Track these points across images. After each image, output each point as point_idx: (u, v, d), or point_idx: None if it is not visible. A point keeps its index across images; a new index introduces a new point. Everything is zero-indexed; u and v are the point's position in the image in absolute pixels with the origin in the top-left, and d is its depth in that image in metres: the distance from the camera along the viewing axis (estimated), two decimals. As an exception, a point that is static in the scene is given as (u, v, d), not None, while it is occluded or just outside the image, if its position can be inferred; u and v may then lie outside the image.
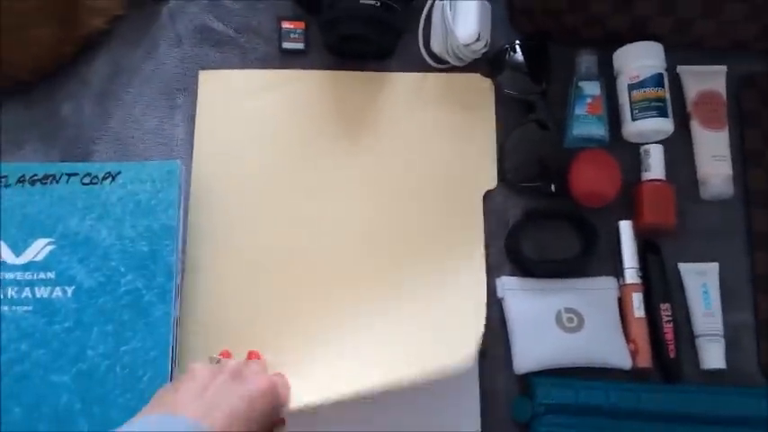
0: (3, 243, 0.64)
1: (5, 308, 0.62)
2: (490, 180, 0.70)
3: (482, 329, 0.59)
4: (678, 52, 0.72)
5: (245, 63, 0.74)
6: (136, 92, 0.73)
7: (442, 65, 0.73)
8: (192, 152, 0.71)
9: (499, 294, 0.67)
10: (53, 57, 0.71)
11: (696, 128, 0.70)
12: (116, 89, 0.73)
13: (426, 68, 0.73)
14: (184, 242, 0.67)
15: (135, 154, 0.71)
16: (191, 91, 0.73)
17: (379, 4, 0.67)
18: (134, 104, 0.73)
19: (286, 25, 0.74)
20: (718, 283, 0.67)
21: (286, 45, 0.74)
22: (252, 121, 0.72)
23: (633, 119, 0.69)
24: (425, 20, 0.73)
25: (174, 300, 0.63)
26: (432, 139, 0.71)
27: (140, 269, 0.64)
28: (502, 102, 0.72)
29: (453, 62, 0.72)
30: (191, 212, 0.69)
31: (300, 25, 0.74)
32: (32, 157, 0.71)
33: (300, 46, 0.74)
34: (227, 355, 0.63)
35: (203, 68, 0.73)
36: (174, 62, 0.74)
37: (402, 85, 0.73)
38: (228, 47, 0.75)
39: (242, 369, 0.57)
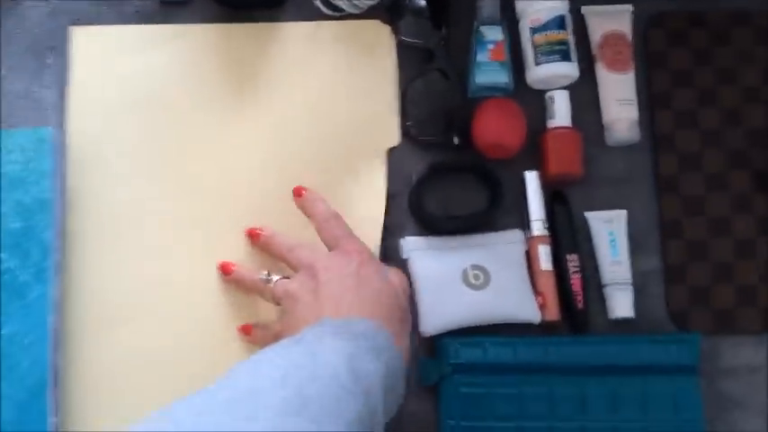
0: None
1: None
2: (393, 135, 0.66)
3: None
4: (582, -8, 0.69)
5: (122, 17, 0.68)
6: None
7: (336, 12, 0.68)
8: (65, 117, 0.65)
9: (404, 255, 0.64)
10: None
11: (601, 71, 0.68)
12: (-25, 50, 0.66)
13: (320, 17, 0.68)
14: (64, 216, 0.62)
15: (1, 121, 0.64)
16: (61, 49, 0.66)
17: (263, -55, 0.62)
18: (-3, 66, 0.66)
19: (165, -26, 0.68)
20: (625, 230, 0.65)
21: (166, -5, 0.68)
22: (132, 80, 0.66)
23: (536, 64, 0.66)
24: (316, -36, 0.68)
25: (52, 279, 0.58)
26: (329, 93, 0.67)
27: (13, 248, 0.58)
28: (401, 51, 0.68)
29: (348, 9, 0.68)
30: (69, 183, 0.63)
31: (180, -27, 0.68)
32: None
33: (181, -4, 0.68)
34: (227, 268, 0.61)
35: (75, 24, 0.67)
36: (41, 17, 0.67)
37: (294, 35, 0.68)
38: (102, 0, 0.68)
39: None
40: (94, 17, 0.68)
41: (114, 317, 0.61)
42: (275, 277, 0.58)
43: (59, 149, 0.62)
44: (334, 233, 0.59)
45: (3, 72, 0.66)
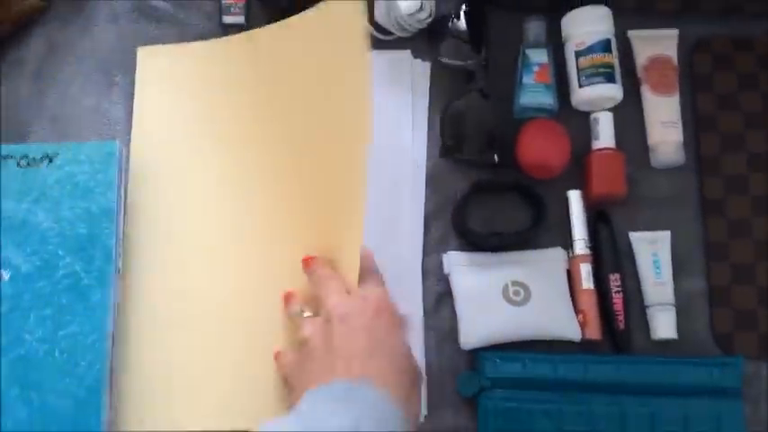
0: (-64, 228, 0.62)
1: (-59, 293, 0.60)
2: (367, 131, 0.58)
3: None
4: (629, 16, 0.70)
5: (185, 40, 0.72)
6: (72, 70, 0.71)
7: (387, 36, 0.71)
8: (130, 132, 0.69)
9: (446, 270, 0.65)
10: (-14, 37, 0.69)
11: (646, 94, 0.69)
12: (52, 69, 0.71)
13: (372, 41, 0.71)
14: (124, 225, 0.65)
15: (72, 134, 0.69)
16: (129, 69, 0.71)
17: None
18: (71, 83, 0.71)
19: (226, -1, 0.72)
20: (669, 251, 0.66)
21: (227, 19, 0.72)
22: (192, 96, 0.69)
23: (580, 86, 0.67)
24: (369, -9, 0.71)
25: (113, 283, 0.62)
26: (310, 86, 0.64)
27: (79, 252, 0.62)
28: (442, 72, 0.70)
29: (398, 33, 0.70)
30: (130, 194, 0.67)
31: (240, -1, 0.72)
32: (-32, 140, 0.69)
33: (241, 20, 0.72)
34: (288, 297, 0.61)
35: (141, 45, 0.71)
36: (112, 39, 0.72)
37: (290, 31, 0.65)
38: (167, 23, 0.73)
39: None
40: (160, 41, 0.72)
41: (165, 323, 0.63)
42: (307, 314, 0.58)
43: (123, 162, 0.66)
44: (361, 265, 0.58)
45: (75, 90, 0.71)
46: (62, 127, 0.69)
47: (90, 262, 0.62)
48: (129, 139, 0.68)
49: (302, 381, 0.54)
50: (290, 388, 0.57)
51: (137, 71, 0.70)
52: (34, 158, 0.64)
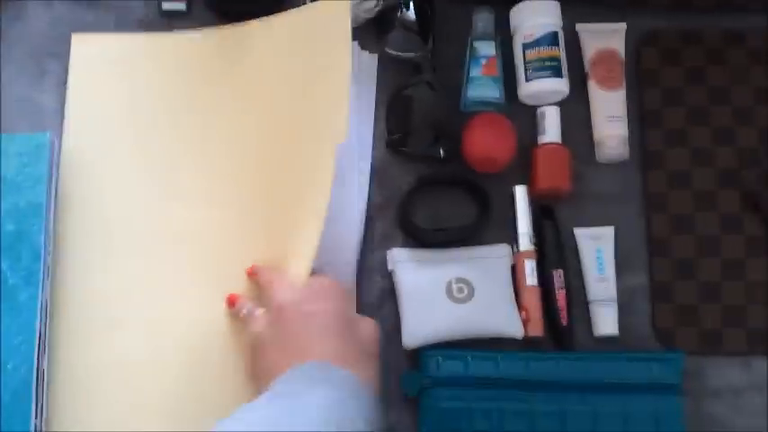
0: None
1: None
2: (342, 131, 0.58)
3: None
4: (578, 8, 0.69)
5: (123, 26, 0.70)
6: (1, 56, 0.68)
7: (332, 25, 0.69)
8: (62, 122, 0.66)
9: (389, 267, 0.64)
10: None
11: (593, 88, 0.68)
12: (-21, 54, 0.68)
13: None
14: (55, 220, 0.63)
15: (1, 125, 0.66)
16: (62, 56, 0.68)
17: (260, -41, 0.63)
18: (-1, 71, 0.68)
19: (165, -16, 0.69)
20: (613, 247, 0.65)
21: (166, 6, 0.70)
22: (128, 88, 0.67)
23: (527, 79, 0.66)
24: (313, -23, 0.69)
25: (41, 282, 0.59)
26: (286, 85, 0.64)
27: (5, 250, 0.60)
28: (388, 63, 0.69)
29: (343, 22, 0.69)
30: (61, 188, 0.64)
31: (180, -16, 0.69)
32: None
33: (181, 6, 0.70)
34: (233, 300, 0.61)
35: (76, 31, 0.68)
36: (44, 24, 0.69)
37: (261, 31, 0.67)
38: (104, 8, 0.70)
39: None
40: (96, 26, 0.69)
41: (99, 322, 0.62)
42: (258, 311, 0.58)
43: (55, 155, 0.63)
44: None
45: (4, 77, 0.67)
46: (-10, 116, 0.67)
47: (17, 260, 0.59)
48: (61, 131, 0.66)
49: (264, 373, 0.53)
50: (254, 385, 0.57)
51: (70, 59, 0.68)
52: (-40, 151, 0.61)
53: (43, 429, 0.58)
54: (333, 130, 0.59)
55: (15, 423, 0.56)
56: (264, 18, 0.68)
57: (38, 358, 0.58)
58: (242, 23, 0.69)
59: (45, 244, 0.60)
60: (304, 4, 0.67)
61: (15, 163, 0.61)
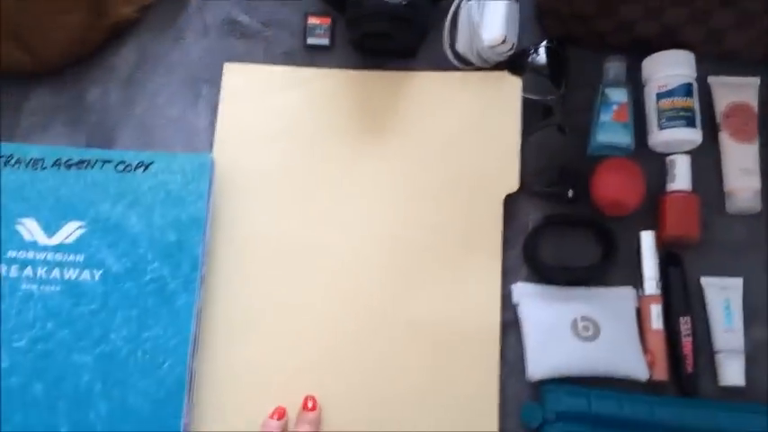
0: (36, 224, 0.65)
1: (34, 287, 0.63)
2: (512, 183, 0.68)
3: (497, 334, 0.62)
4: (710, 62, 0.71)
5: (270, 56, 0.74)
6: (161, 80, 0.74)
7: (466, 65, 0.72)
8: (212, 143, 0.71)
9: (515, 300, 0.66)
10: (82, 43, 0.72)
11: (725, 140, 0.69)
12: (142, 77, 0.74)
13: (450, 68, 0.72)
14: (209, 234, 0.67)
15: (157, 142, 0.72)
16: (215, 82, 0.73)
17: (405, 1, 0.67)
18: (158, 93, 0.73)
19: (312, 20, 0.74)
20: (741, 298, 0.65)
21: (311, 41, 0.74)
22: (274, 116, 0.72)
23: (660, 128, 0.68)
24: (452, 19, 0.72)
25: (197, 290, 0.64)
26: (455, 139, 0.70)
27: (167, 257, 0.64)
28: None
29: (477, 63, 0.72)
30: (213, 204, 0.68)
31: (326, 21, 0.74)
32: (57, 140, 0.72)
33: (325, 42, 0.74)
34: (282, 413, 0.63)
35: (228, 60, 0.74)
36: (200, 52, 0.75)
37: (427, 83, 0.72)
38: (254, 40, 0.75)
39: None
40: (246, 56, 0.74)
41: (243, 328, 0.65)
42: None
43: (213, 174, 0.68)
44: None
45: (163, 99, 0.73)
46: (147, 134, 0.72)
47: (177, 268, 0.64)
48: (209, 151, 0.71)
49: None
50: None
51: (222, 85, 0.73)
52: (131, 165, 0.67)
53: (190, 427, 0.61)
54: (506, 181, 0.68)
55: (167, 419, 0.60)
56: (416, 71, 0.72)
57: (191, 359, 0.62)
58: (388, 71, 0.73)
59: (202, 255, 0.64)
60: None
61: (180, 179, 0.66)
